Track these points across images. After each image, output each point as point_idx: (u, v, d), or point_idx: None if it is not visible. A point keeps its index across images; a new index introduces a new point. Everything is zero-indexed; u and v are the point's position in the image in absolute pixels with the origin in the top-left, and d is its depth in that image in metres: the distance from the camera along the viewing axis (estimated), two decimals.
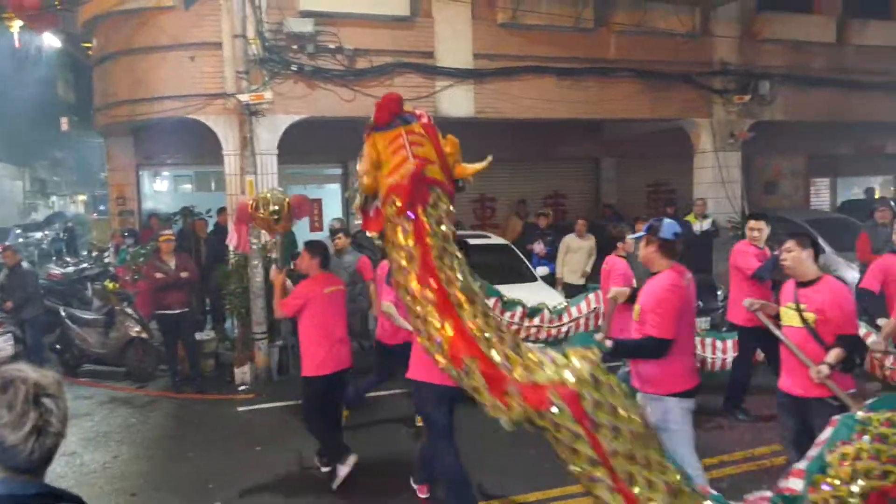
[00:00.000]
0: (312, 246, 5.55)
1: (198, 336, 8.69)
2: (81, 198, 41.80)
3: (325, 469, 5.46)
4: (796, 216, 12.03)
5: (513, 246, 9.99)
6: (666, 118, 11.97)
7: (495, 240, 9.84)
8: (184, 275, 8.00)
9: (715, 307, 8.83)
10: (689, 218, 10.78)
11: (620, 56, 11.17)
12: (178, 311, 7.95)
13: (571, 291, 9.46)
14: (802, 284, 4.23)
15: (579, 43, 10.95)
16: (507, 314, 6.81)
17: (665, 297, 3.97)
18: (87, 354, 8.79)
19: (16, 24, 10.86)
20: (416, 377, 4.61)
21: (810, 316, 4.12)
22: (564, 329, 7.15)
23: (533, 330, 6.95)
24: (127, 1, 9.48)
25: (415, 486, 5.05)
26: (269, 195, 5.55)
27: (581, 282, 9.68)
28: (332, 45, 9.54)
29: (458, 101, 10.37)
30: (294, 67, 9.39)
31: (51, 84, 27.03)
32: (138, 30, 9.56)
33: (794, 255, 4.25)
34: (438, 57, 10.21)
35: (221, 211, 10.75)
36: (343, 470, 5.22)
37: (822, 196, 17.44)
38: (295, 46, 9.39)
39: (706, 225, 10.70)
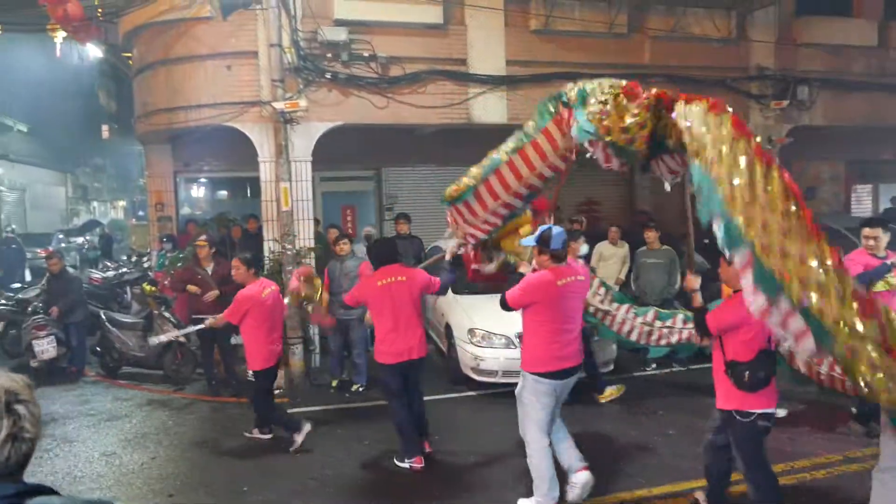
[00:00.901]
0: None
1: (233, 340, 8.81)
2: (121, 203, 42.75)
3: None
4: (836, 222, 11.77)
5: None
6: None
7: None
8: (209, 296, 8.09)
9: None
10: None
11: (655, 62, 11.08)
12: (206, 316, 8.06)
13: None
14: None
15: (613, 49, 10.90)
16: (640, 318, 6.55)
17: (531, 281, 4.80)
18: (127, 357, 8.96)
19: (59, 35, 11.16)
20: (379, 360, 5.73)
21: None
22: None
23: (665, 331, 6.47)
24: (166, 12, 9.68)
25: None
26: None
27: (614, 289, 9.59)
28: (365, 53, 9.63)
29: (490, 108, 10.38)
30: (328, 75, 9.50)
31: (93, 94, 27.76)
32: (177, 40, 9.77)
33: None
34: (471, 64, 10.24)
35: (250, 218, 10.94)
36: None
37: (863, 203, 17.05)
38: (329, 54, 9.50)
39: None
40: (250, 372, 6.44)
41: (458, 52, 10.18)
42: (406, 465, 5.70)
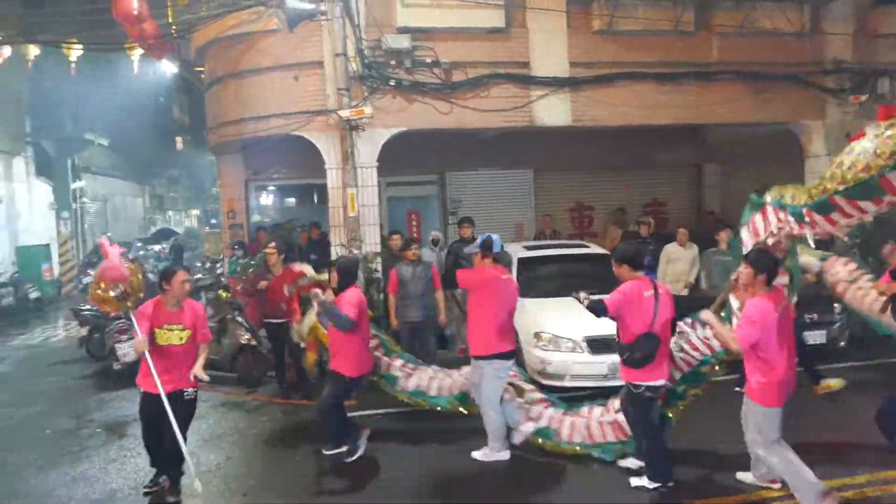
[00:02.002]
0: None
1: (303, 344, 8.99)
2: (194, 212, 44.26)
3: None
4: None
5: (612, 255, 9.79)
6: (773, 121, 11.46)
7: (594, 249, 9.68)
8: (262, 285, 8.31)
9: (831, 321, 8.36)
10: None
11: (723, 58, 10.80)
12: (283, 320, 8.27)
13: (675, 302, 9.17)
14: None
15: (679, 46, 10.68)
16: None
17: (478, 273, 5.86)
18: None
19: (136, 53, 11.66)
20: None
21: None
22: None
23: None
24: (235, 26, 10.02)
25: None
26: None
27: (684, 292, 9.37)
28: (428, 59, 9.73)
29: (554, 110, 10.32)
30: (392, 82, 9.64)
31: (167, 108, 28.88)
32: (245, 53, 10.08)
33: None
34: (534, 67, 10.21)
35: (314, 225, 11.18)
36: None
37: None
38: (393, 62, 9.64)
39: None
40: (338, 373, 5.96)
41: (520, 55, 10.17)
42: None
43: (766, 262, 4.58)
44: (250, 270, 9.34)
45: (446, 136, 11.13)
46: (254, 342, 8.88)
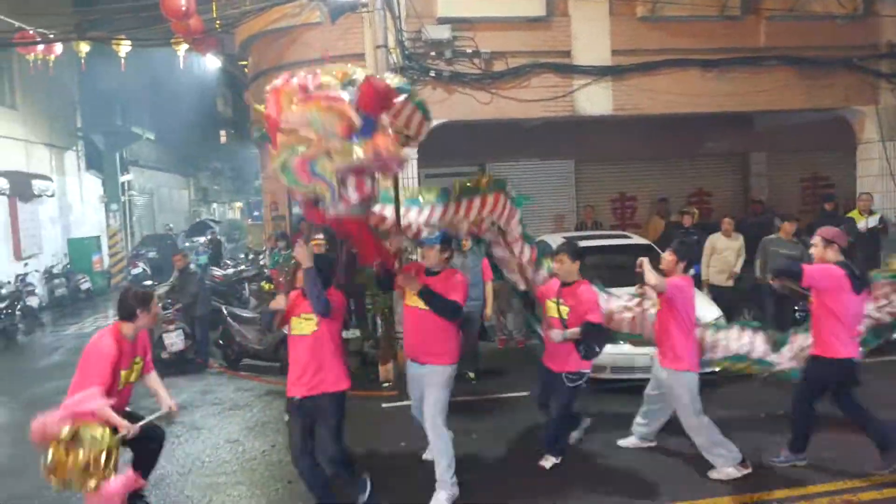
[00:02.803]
0: None
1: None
2: (238, 204, 45.01)
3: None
4: None
5: (655, 246, 9.66)
6: (824, 107, 11.12)
7: (636, 240, 9.56)
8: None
9: None
10: (854, 214, 9.96)
11: (771, 43, 10.51)
12: None
13: (718, 294, 9.03)
14: None
15: (725, 32, 10.42)
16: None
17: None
18: (246, 350, 9.44)
19: (182, 48, 11.85)
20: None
21: None
22: None
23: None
24: (278, 20, 10.12)
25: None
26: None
27: (729, 284, 9.20)
28: (468, 50, 9.69)
29: (596, 99, 10.19)
30: (432, 73, 9.62)
31: (211, 102, 29.40)
32: (288, 46, 10.18)
33: None
34: (575, 55, 10.08)
35: None
36: None
37: None
38: (433, 53, 9.63)
39: (873, 221, 9.82)
40: (443, 367, 5.18)
41: (561, 44, 10.05)
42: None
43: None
44: (293, 262, 9.45)
45: (486, 127, 11.08)
46: None
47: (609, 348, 7.23)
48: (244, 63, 13.26)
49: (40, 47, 11.43)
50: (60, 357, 11.11)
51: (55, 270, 16.92)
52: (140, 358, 4.62)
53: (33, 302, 14.22)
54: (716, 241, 9.43)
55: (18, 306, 13.08)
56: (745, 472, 5.23)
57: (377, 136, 4.04)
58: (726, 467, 5.24)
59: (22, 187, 16.01)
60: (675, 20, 10.21)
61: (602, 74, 10.16)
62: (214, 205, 41.47)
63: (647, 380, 5.94)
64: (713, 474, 5.27)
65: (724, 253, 9.33)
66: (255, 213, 32.78)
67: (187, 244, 22.56)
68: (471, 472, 5.51)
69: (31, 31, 11.26)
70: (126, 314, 4.48)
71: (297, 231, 11.78)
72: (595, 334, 5.29)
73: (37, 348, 12.06)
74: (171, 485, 5.63)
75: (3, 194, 15.24)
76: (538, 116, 10.34)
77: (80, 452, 3.90)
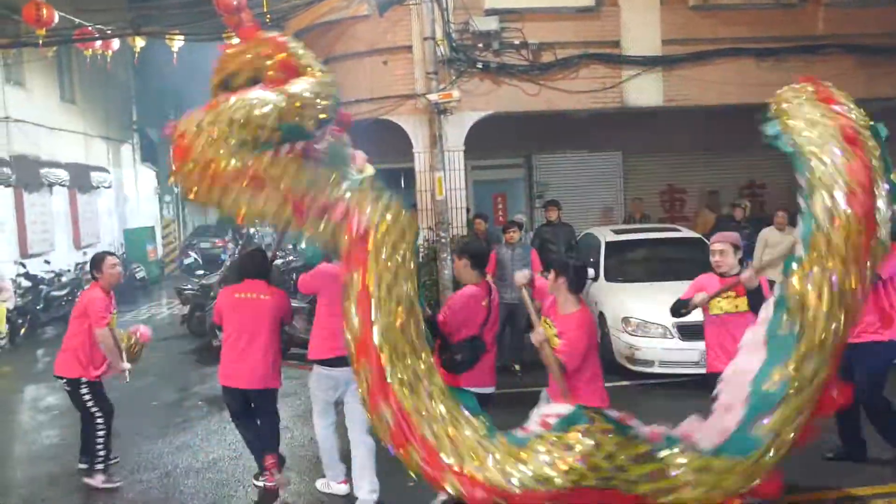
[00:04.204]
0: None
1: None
2: None
3: None
4: None
5: (705, 240, 9.48)
6: (884, 97, 10.73)
7: (686, 233, 9.41)
8: None
9: None
10: None
11: (830, 31, 10.20)
12: None
13: (772, 289, 8.81)
14: None
15: (781, 20, 10.15)
16: None
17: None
18: (294, 339, 9.59)
19: (234, 42, 12.06)
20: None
21: None
22: None
23: None
24: (327, 13, 10.23)
25: None
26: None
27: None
28: (516, 41, 9.65)
29: (646, 90, 10.05)
30: (480, 65, 9.61)
31: None
32: (337, 39, 10.29)
33: None
34: (625, 46, 9.96)
35: (411, 207, 11.28)
36: None
37: None
38: (480, 44, 9.62)
39: None
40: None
41: (610, 35, 9.93)
42: None
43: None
44: None
45: (533, 119, 11.02)
46: None
47: (658, 342, 7.18)
48: None
49: (98, 43, 11.78)
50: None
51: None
52: (115, 312, 5.45)
53: None
54: (769, 234, 9.20)
55: (78, 294, 13.54)
56: None
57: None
58: None
59: (81, 179, 16.56)
60: (728, 8, 10.00)
61: (652, 65, 10.01)
62: None
63: (696, 375, 5.84)
64: None
65: (777, 247, 9.09)
66: None
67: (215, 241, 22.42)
68: None
69: (89, 28, 11.60)
70: (92, 277, 5.45)
71: None
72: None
73: None
74: (222, 469, 5.77)
75: (64, 186, 15.79)
76: (586, 108, 10.24)
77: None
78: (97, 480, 5.36)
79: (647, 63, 9.98)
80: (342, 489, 5.08)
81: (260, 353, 4.93)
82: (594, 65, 9.93)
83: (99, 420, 5.36)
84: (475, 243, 5.37)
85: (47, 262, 14.02)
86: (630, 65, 10.00)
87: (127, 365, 5.47)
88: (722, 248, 4.66)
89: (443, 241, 9.05)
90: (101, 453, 5.37)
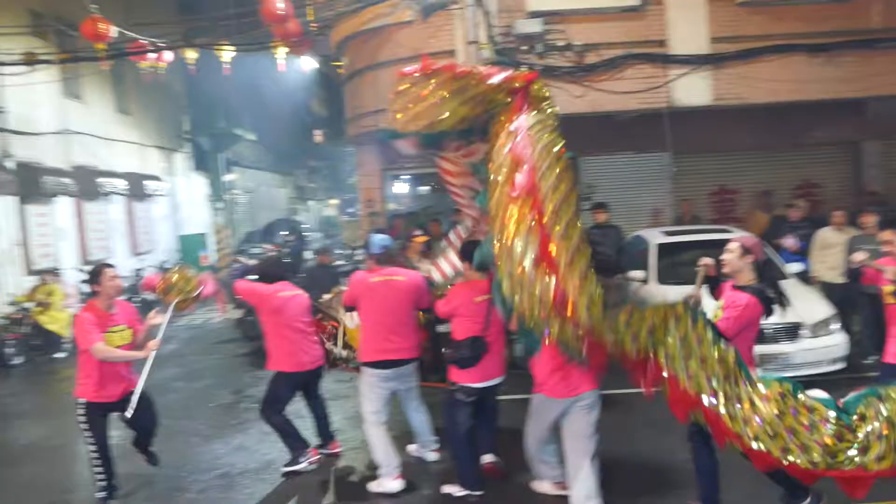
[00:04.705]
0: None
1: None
2: (332, 202, 46.26)
3: None
4: None
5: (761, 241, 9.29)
6: None
7: (738, 234, 9.20)
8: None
9: None
10: None
11: (886, 24, 9.88)
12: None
13: (829, 291, 8.58)
14: None
15: (835, 14, 9.90)
16: None
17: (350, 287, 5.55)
18: (346, 344, 9.71)
19: (281, 51, 12.32)
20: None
21: None
22: None
23: None
24: (371, 20, 10.37)
25: None
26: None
27: (840, 280, 8.72)
28: (560, 43, 9.62)
29: (694, 90, 9.91)
30: (524, 67, 9.58)
31: (306, 102, 30.35)
32: (381, 46, 10.41)
33: None
34: (671, 45, 9.84)
35: (457, 211, 11.29)
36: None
37: None
38: (524, 47, 9.62)
39: None
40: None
41: (656, 34, 9.83)
42: None
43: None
44: None
45: (579, 120, 10.91)
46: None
47: None
48: (339, 64, 13.63)
49: (152, 56, 12.16)
50: (174, 346, 11.79)
51: (166, 265, 17.96)
52: (123, 326, 5.07)
53: (149, 294, 15.15)
54: (826, 235, 8.96)
55: (137, 299, 13.99)
56: None
57: None
58: None
59: (137, 188, 17.10)
60: (778, 4, 9.81)
61: (700, 63, 9.86)
62: (311, 202, 42.78)
63: None
64: None
65: (834, 248, 8.85)
66: (349, 210, 33.59)
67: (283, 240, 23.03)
68: None
69: (143, 41, 11.98)
70: (91, 290, 5.16)
71: (391, 228, 12.02)
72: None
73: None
74: (275, 470, 5.89)
75: (122, 194, 16.31)
76: (633, 109, 10.14)
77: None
78: None
79: (695, 62, 9.84)
80: (396, 486, 5.29)
81: (408, 327, 5.32)
82: (640, 65, 9.84)
83: (90, 447, 5.04)
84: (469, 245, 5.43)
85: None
86: (677, 64, 9.87)
87: (155, 343, 5.11)
88: (731, 248, 4.54)
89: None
90: (100, 481, 5.08)
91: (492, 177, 3.97)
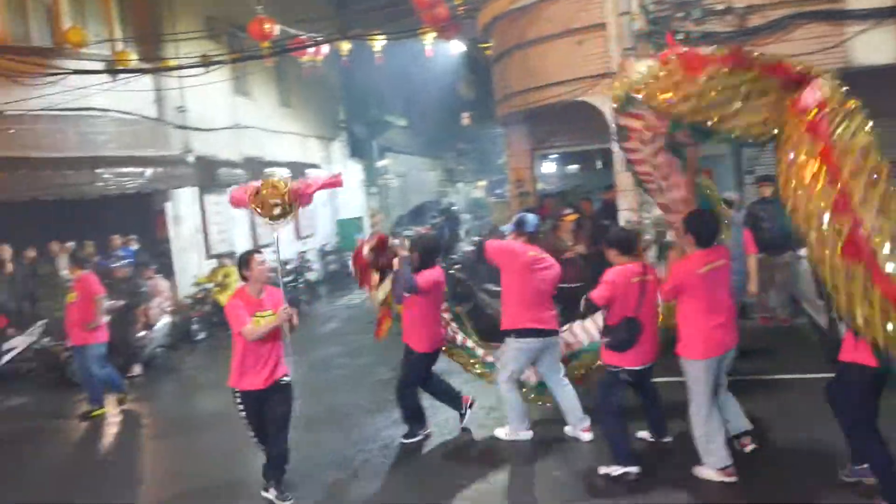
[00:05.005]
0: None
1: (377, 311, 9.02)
2: (481, 183, 46.70)
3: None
4: None
5: None
6: None
7: None
8: (578, 248, 8.43)
9: None
10: None
11: None
12: (573, 286, 8.39)
13: None
14: None
15: None
16: None
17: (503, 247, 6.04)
18: (494, 322, 9.83)
19: (429, 37, 12.54)
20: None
21: None
22: None
23: None
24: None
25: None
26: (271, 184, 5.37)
27: None
28: (720, 7, 9.03)
29: (877, 47, 8.93)
30: (680, 36, 9.11)
31: (453, 86, 30.75)
32: (529, 24, 10.30)
33: None
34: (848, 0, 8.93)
35: (608, 188, 11.03)
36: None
37: None
38: (680, 14, 9.13)
39: None
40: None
41: None
42: None
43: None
44: (540, 236, 9.62)
45: None
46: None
47: None
48: (486, 45, 13.67)
49: (311, 50, 12.83)
50: (336, 325, 12.51)
51: (327, 248, 19.04)
52: (269, 311, 5.08)
53: (312, 276, 16.16)
54: None
55: (301, 280, 14.95)
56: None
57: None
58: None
59: (299, 175, 18.19)
60: None
61: (883, 17, 8.86)
62: (459, 184, 43.41)
63: None
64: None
65: None
66: (497, 191, 33.70)
67: (434, 221, 23.60)
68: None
69: (303, 37, 12.66)
70: (241, 276, 5.24)
71: (541, 208, 11.94)
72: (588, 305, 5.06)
73: (317, 317, 13.70)
74: (432, 443, 6.09)
75: None
76: None
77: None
78: (270, 494, 5.13)
79: (877, 16, 8.84)
80: (527, 435, 5.89)
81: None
82: (811, 24, 9.01)
83: (250, 433, 5.19)
84: (620, 232, 5.78)
85: (274, 251, 15.58)
86: (855, 20, 8.93)
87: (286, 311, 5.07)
88: None
89: (645, 221, 8.77)
90: (270, 472, 5.14)
91: (786, 161, 3.85)
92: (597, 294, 5.02)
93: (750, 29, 9.03)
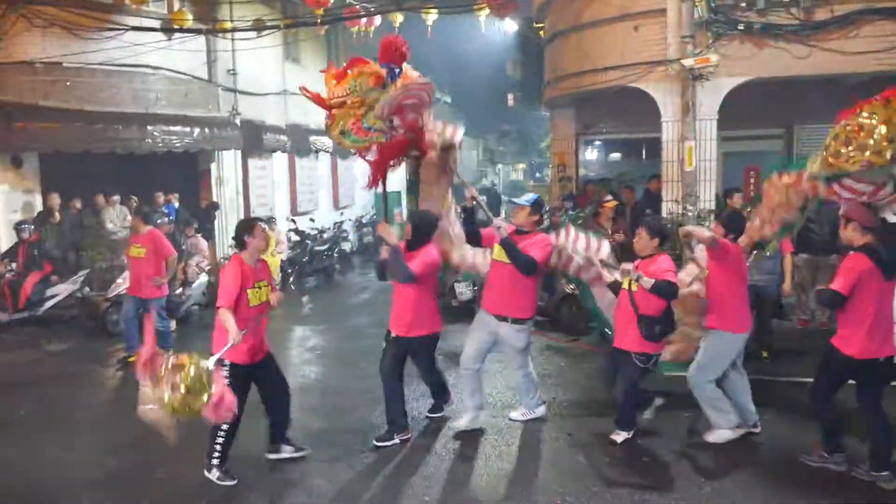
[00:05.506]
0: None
1: (568, 289, 8.94)
2: (521, 166, 46.42)
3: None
4: None
5: None
6: None
7: None
8: (617, 237, 8.33)
9: None
10: None
11: None
12: None
13: None
14: None
15: None
16: None
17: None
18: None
19: (483, 14, 12.40)
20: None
21: None
22: None
23: None
24: None
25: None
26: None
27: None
28: None
29: None
30: (741, 26, 8.91)
31: (500, 65, 30.46)
32: (587, 6, 10.12)
33: None
34: None
35: (653, 178, 10.84)
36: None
37: None
38: (743, 4, 8.90)
39: None
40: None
41: None
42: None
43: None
44: (579, 223, 9.54)
45: (797, 85, 9.96)
46: (577, 292, 9.06)
47: None
48: (540, 25, 13.48)
49: (363, 20, 12.78)
50: (368, 296, 12.60)
51: (364, 220, 19.12)
52: (265, 282, 5.00)
53: (347, 247, 16.27)
54: None
55: (336, 249, 15.07)
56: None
57: (402, 76, 5.22)
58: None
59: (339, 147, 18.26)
60: None
61: None
62: (500, 166, 43.20)
63: None
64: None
65: None
66: (537, 175, 33.49)
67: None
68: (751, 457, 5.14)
69: (357, 7, 12.62)
70: (238, 244, 5.02)
71: (583, 193, 11.81)
72: (665, 292, 5.10)
73: (349, 287, 13.81)
74: (455, 418, 6.11)
75: (327, 152, 17.52)
76: (867, 71, 9.03)
77: (181, 378, 4.14)
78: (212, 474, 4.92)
79: None
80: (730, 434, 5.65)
81: None
82: (880, 21, 8.70)
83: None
84: (655, 221, 5.91)
85: (312, 219, 15.73)
86: None
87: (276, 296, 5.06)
88: None
89: (689, 214, 8.62)
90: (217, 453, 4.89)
91: None
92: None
93: (816, 23, 8.76)
